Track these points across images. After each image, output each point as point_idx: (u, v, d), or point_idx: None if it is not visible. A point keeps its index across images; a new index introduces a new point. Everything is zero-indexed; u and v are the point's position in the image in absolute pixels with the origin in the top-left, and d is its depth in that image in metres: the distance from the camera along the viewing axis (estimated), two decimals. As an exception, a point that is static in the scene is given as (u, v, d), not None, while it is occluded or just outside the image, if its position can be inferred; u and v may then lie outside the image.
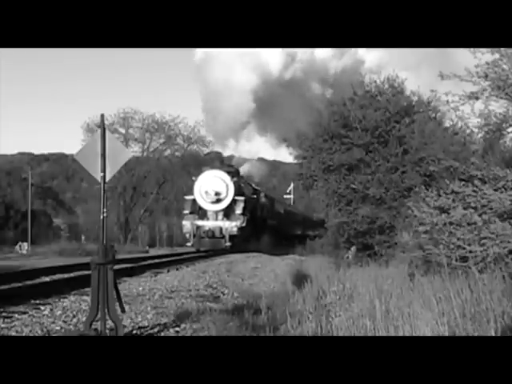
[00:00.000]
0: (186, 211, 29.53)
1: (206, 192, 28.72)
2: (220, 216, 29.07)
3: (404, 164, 14.75)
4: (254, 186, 35.67)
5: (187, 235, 28.77)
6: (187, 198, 30.21)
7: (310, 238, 43.01)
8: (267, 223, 36.46)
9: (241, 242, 28.77)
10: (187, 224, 28.58)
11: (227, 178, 29.29)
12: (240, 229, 28.45)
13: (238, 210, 29.13)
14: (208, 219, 29.01)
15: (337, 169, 15.76)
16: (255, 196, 33.38)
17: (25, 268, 16.17)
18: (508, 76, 9.12)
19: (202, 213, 29.33)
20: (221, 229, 28.27)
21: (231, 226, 28.31)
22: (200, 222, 28.62)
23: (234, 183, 29.61)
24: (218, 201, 28.96)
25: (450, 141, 11.95)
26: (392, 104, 15.60)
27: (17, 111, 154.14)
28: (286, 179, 62.30)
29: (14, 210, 49.08)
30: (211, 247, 27.71)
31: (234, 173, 30.96)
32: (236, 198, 29.25)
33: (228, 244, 27.86)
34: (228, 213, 29.13)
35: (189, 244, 28.69)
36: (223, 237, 28.05)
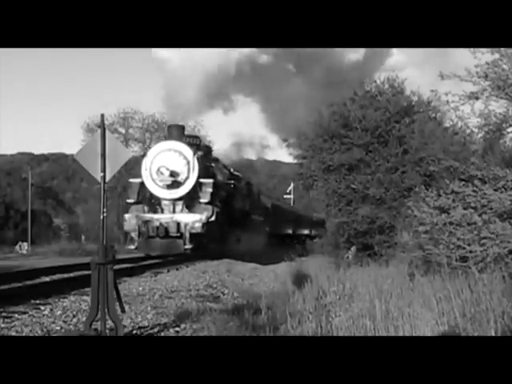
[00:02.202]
0: (131, 200, 20.33)
1: (158, 171, 19.43)
2: (179, 206, 19.89)
3: (404, 164, 14.76)
4: (232, 169, 26.55)
5: (132, 234, 19.71)
6: (133, 181, 20.79)
7: (303, 238, 39.48)
8: (251, 219, 27.41)
9: (208, 244, 20.20)
10: (130, 218, 19.47)
11: (189, 152, 19.86)
12: (206, 225, 19.20)
13: (205, 197, 19.84)
14: (162, 211, 19.91)
15: (337, 169, 15.77)
16: (232, 182, 24.09)
17: (25, 268, 16.15)
18: (508, 76, 9.12)
19: (152, 202, 20.34)
20: (178, 224, 19.00)
21: (194, 220, 19.08)
22: (148, 216, 19.49)
23: (199, 160, 20.27)
24: (176, 184, 19.67)
25: (449, 141, 11.96)
26: (392, 104, 15.61)
27: (17, 111, 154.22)
28: (286, 179, 62.33)
29: (14, 209, 49.05)
30: (164, 251, 19.18)
31: (200, 146, 22.04)
32: (202, 180, 19.99)
33: (188, 246, 18.88)
34: (190, 202, 19.94)
35: (132, 247, 19.78)
36: (181, 236, 19.01)
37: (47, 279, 12.48)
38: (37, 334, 6.60)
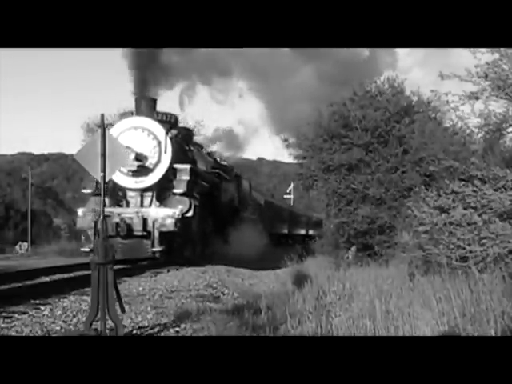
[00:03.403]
0: (88, 190, 16.02)
1: None
2: (147, 198, 15.73)
3: (404, 164, 14.76)
4: (219, 158, 22.66)
5: (89, 232, 15.51)
6: None
7: (300, 239, 38.31)
8: (241, 217, 23.37)
9: (184, 246, 16.29)
10: (86, 213, 15.40)
11: (160, 130, 15.70)
12: (181, 221, 15.17)
13: (179, 187, 15.72)
14: (128, 204, 15.75)
15: (337, 169, 15.76)
16: (217, 171, 20.12)
17: (25, 268, 16.15)
18: (508, 76, 9.11)
19: (115, 193, 15.92)
20: (145, 221, 14.95)
21: (164, 215, 15.06)
22: (108, 210, 14.32)
23: (174, 140, 16.22)
24: (143, 171, 15.57)
25: (449, 141, 11.96)
26: (392, 104, 15.61)
27: (17, 111, 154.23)
28: (286, 179, 62.37)
29: (14, 209, 49.07)
30: (126, 254, 14.73)
31: (177, 126, 17.92)
32: (176, 166, 15.91)
33: (157, 249, 14.76)
34: (162, 193, 15.84)
35: (86, 249, 14.80)
36: (149, 235, 14.93)
37: (47, 279, 12.48)
38: (37, 334, 6.60)
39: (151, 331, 7.10)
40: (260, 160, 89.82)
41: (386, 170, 14.91)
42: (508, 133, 10.40)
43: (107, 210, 14.11)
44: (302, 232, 42.52)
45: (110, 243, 6.38)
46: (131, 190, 15.83)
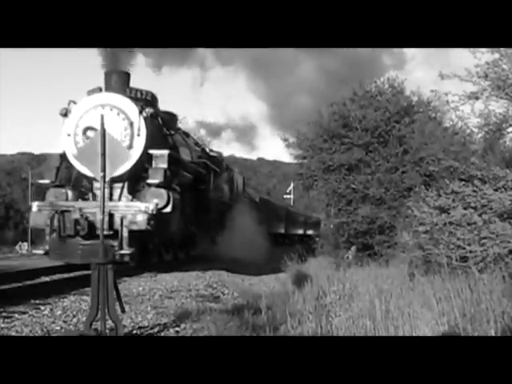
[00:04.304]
0: (46, 180, 13.67)
1: (85, 136, 12.69)
2: (117, 190, 12.84)
3: (404, 164, 14.77)
4: (208, 149, 20.14)
5: (47, 230, 12.34)
6: (51, 153, 14.28)
7: (297, 239, 37.69)
8: (232, 215, 21.04)
9: (162, 248, 14.22)
10: (41, 208, 12.61)
11: (133, 109, 12.93)
12: (156, 218, 12.28)
13: (155, 176, 12.93)
14: (94, 197, 12.76)
15: (337, 169, 15.77)
16: (204, 161, 17.47)
17: (25, 268, 16.14)
18: (508, 76, 9.12)
19: (80, 184, 13.35)
20: (111, 217, 11.92)
21: (136, 210, 12.18)
22: (66, 204, 12.54)
23: (148, 120, 13.14)
24: None
25: (449, 141, 11.96)
26: (392, 104, 15.62)
27: (17, 111, 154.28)
28: (286, 179, 62.38)
29: (14, 210, 49.05)
30: (87, 258, 11.30)
31: (155, 106, 14.53)
32: (152, 152, 13.11)
33: (126, 252, 11.73)
34: (135, 184, 13.04)
35: (39, 251, 12.73)
36: (116, 235, 11.84)
37: (47, 279, 12.47)
38: (37, 334, 6.60)
39: (151, 331, 7.10)
40: (260, 160, 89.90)
41: (385, 170, 14.92)
42: (508, 133, 10.42)
43: (66, 203, 12.65)
44: (300, 232, 41.95)
45: (109, 243, 6.39)
46: (97, 180, 11.90)
